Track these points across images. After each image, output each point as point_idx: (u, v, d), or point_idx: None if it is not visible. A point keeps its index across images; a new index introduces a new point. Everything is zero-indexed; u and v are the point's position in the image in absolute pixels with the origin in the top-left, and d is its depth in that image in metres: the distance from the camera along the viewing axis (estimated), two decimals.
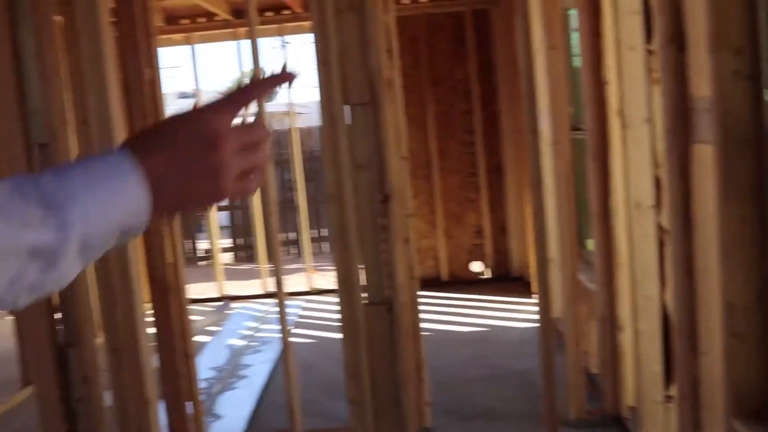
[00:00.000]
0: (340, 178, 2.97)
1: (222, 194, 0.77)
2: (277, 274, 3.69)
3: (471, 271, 7.23)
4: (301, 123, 11.36)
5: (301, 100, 12.89)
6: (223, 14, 6.71)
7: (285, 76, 0.82)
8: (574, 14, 4.70)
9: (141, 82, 3.93)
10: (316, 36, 2.86)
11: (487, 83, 6.97)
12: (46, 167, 3.02)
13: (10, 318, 5.98)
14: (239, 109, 0.78)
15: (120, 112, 3.16)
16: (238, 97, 0.79)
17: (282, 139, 10.55)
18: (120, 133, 3.08)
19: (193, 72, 7.35)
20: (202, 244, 10.36)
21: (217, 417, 4.48)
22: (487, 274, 7.19)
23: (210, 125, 0.75)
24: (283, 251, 10.51)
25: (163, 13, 6.87)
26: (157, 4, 6.56)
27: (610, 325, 3.84)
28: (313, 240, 8.80)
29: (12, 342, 5.10)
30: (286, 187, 10.38)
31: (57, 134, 3.01)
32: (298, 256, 9.33)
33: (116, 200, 0.70)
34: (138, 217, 0.72)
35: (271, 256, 3.77)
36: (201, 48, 7.44)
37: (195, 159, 0.75)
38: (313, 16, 2.86)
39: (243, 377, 5.16)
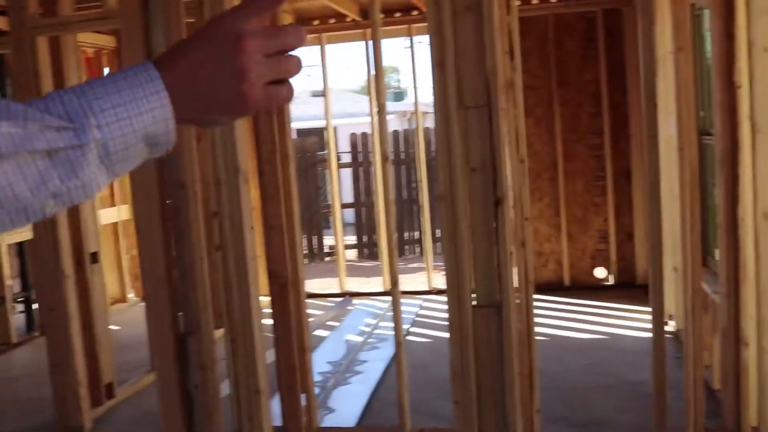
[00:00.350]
0: (453, 179, 2.97)
1: (246, 100, 0.74)
2: (393, 272, 3.73)
3: (594, 277, 7.06)
4: (428, 123, 11.39)
5: (428, 100, 12.90)
6: (352, 15, 6.83)
7: None
8: (707, 14, 4.52)
9: None
10: (431, 38, 2.87)
11: (617, 85, 6.79)
12: (170, 165, 3.17)
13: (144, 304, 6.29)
14: (264, 11, 0.75)
15: None
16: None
17: (408, 138, 10.64)
18: (242, 130, 3.19)
19: (322, 72, 7.50)
20: (328, 240, 10.55)
21: (330, 410, 4.57)
22: (611, 281, 7.01)
23: (232, 25, 0.73)
24: (407, 250, 10.59)
25: (294, 15, 7.05)
26: (289, 5, 6.74)
27: (734, 339, 3.67)
28: (436, 239, 8.80)
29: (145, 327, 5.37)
30: (412, 186, 10.46)
31: (182, 132, 3.15)
32: (421, 255, 9.37)
33: (135, 107, 0.70)
34: (162, 126, 0.72)
35: (389, 253, 3.81)
36: (332, 48, 7.60)
37: (217, 60, 0.73)
38: (430, 19, 2.87)
39: (358, 373, 5.23)
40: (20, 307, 7.11)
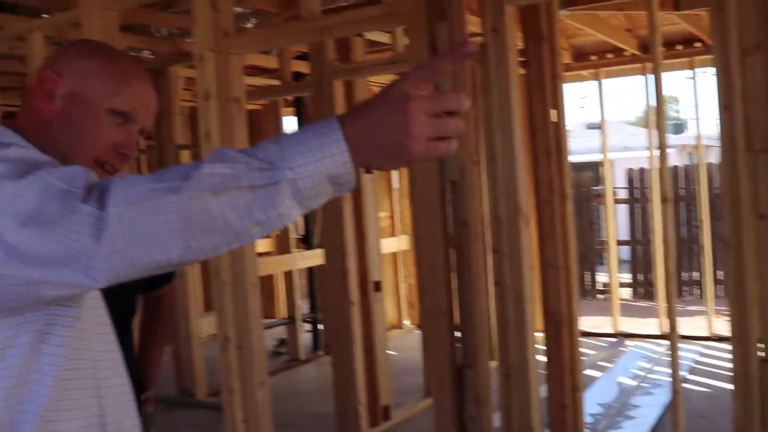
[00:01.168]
0: (739, 225, 2.86)
1: (408, 151, 0.88)
2: (671, 316, 3.63)
3: None
4: (711, 158, 10.82)
5: (711, 133, 12.24)
6: (631, 49, 6.72)
7: (465, 51, 0.90)
8: None
9: (546, 121, 4.13)
10: (718, 79, 2.80)
11: None
12: (457, 204, 3.33)
13: (419, 332, 6.56)
14: (428, 78, 0.89)
15: (524, 151, 3.37)
16: (426, 68, 0.90)
17: (689, 173, 10.17)
18: (523, 170, 3.28)
19: (599, 105, 7.44)
20: (602, 278, 10.32)
21: None
22: None
23: (403, 89, 0.88)
24: (685, 291, 10.09)
25: (572, 50, 7.08)
26: (566, 42, 6.79)
27: None
28: (718, 282, 8.32)
29: (420, 354, 5.64)
30: (692, 224, 9.98)
31: (467, 173, 3.30)
32: (700, 297, 8.91)
33: (320, 153, 0.88)
34: (342, 168, 0.88)
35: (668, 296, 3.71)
36: (608, 81, 7.54)
37: (387, 117, 0.88)
38: (716, 59, 2.80)
39: (630, 418, 5.09)
40: (307, 326, 7.69)
